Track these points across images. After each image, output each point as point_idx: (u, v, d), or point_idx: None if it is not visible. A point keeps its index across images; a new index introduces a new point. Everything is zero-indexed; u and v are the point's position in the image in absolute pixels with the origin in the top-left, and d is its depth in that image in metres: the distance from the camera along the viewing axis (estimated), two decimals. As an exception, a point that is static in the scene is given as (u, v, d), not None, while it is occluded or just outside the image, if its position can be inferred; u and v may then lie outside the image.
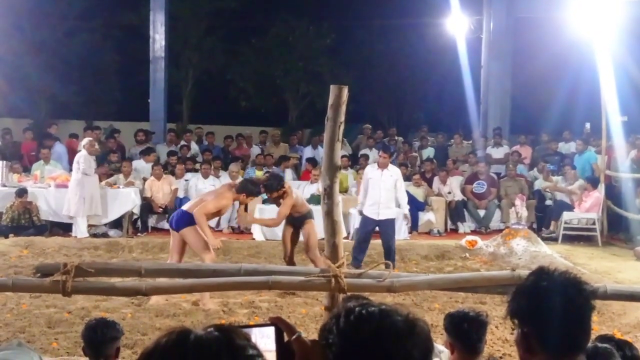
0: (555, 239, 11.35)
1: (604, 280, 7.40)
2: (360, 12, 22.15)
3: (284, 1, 21.84)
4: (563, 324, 1.76)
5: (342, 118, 3.14)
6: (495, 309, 6.72)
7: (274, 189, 7.51)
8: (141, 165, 12.40)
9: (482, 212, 12.35)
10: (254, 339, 1.23)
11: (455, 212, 12.28)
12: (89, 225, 10.85)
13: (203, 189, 11.01)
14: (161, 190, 11.64)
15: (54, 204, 11.04)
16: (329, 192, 3.24)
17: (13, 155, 12.84)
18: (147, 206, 11.55)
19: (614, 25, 11.31)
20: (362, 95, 20.34)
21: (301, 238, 7.96)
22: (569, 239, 11.39)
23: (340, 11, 22.36)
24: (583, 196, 11.70)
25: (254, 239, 10.70)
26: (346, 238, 9.83)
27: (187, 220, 6.99)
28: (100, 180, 11.19)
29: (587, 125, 16.01)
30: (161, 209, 11.54)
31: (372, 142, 14.35)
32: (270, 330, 1.47)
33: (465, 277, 3.70)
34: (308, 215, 7.77)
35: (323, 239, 3.60)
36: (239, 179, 11.35)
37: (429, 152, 14.44)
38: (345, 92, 3.08)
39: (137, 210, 11.46)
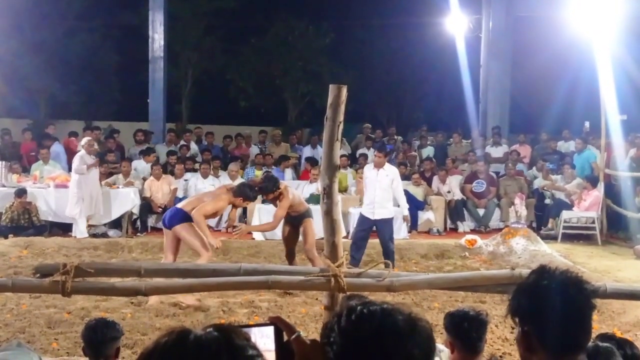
0: (554, 237, 11.36)
1: (603, 279, 7.40)
2: (359, 11, 22.17)
3: (283, 1, 21.85)
4: (563, 323, 1.76)
5: (341, 117, 3.14)
6: (495, 307, 6.73)
7: (269, 191, 7.51)
8: (142, 166, 12.40)
9: (481, 211, 12.36)
10: (253, 339, 1.23)
11: (454, 211, 12.28)
12: (89, 226, 10.85)
13: (202, 188, 11.01)
14: (160, 190, 11.64)
15: (54, 204, 11.04)
16: (328, 192, 3.23)
17: (12, 156, 12.83)
18: (147, 206, 11.55)
19: (613, 24, 11.31)
20: (362, 95, 20.33)
21: (300, 237, 7.96)
22: (569, 238, 11.39)
23: (340, 11, 22.37)
24: (582, 195, 11.70)
25: (253, 238, 10.70)
26: (345, 237, 9.82)
27: (181, 217, 7.00)
28: (100, 181, 11.19)
29: (587, 124, 16.01)
30: (160, 209, 11.52)
31: (370, 142, 14.35)
32: (270, 330, 1.47)
33: (465, 276, 3.70)
34: (306, 214, 7.76)
35: (322, 238, 3.60)
36: (239, 179, 11.38)
37: (428, 151, 14.45)
38: (345, 91, 3.08)
39: (136, 210, 11.47)
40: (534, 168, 13.34)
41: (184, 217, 7.00)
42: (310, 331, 6.02)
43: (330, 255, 3.27)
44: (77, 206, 10.57)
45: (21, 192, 10.59)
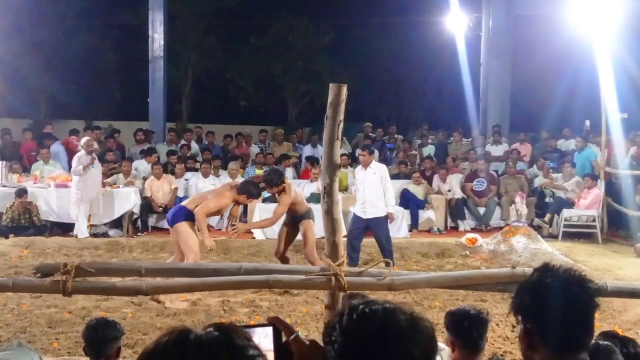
0: (555, 236, 11.37)
1: (604, 277, 7.40)
2: (359, 10, 22.15)
3: (283, 0, 21.84)
4: (566, 321, 1.75)
5: (342, 117, 3.13)
6: (495, 306, 6.73)
7: (274, 184, 7.44)
8: (143, 166, 12.41)
9: (482, 210, 12.36)
10: (256, 339, 1.23)
11: (455, 209, 12.28)
12: (90, 225, 10.85)
13: (203, 188, 11.02)
14: (161, 189, 11.64)
15: (54, 204, 11.04)
16: (328, 191, 3.23)
17: (12, 156, 12.84)
18: (147, 206, 11.55)
19: (613, 23, 11.30)
20: (362, 94, 20.33)
21: (299, 237, 7.94)
22: (569, 236, 11.40)
23: (340, 10, 22.36)
24: (582, 193, 11.71)
25: (254, 237, 10.71)
26: (346, 237, 9.82)
27: (184, 215, 7.03)
28: (102, 182, 11.18)
29: (587, 122, 16.01)
30: (161, 209, 11.54)
31: (368, 141, 14.35)
32: (269, 330, 1.47)
33: (466, 274, 3.69)
34: (307, 215, 7.71)
35: (323, 237, 3.60)
36: (239, 178, 11.38)
37: (428, 150, 14.45)
38: (345, 90, 3.08)
39: (137, 210, 11.47)
40: (535, 166, 13.34)
41: (186, 215, 7.02)
42: (311, 330, 6.02)
43: (331, 254, 3.27)
44: (76, 207, 10.57)
45: (22, 192, 10.59)
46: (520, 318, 1.84)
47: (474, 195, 12.49)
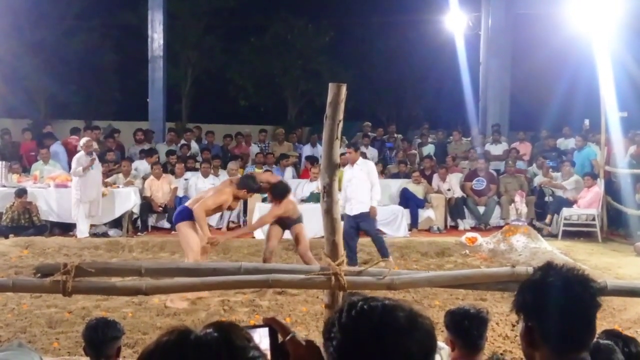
0: (554, 235, 11.37)
1: (604, 276, 7.39)
2: (358, 10, 22.15)
3: (283, 0, 21.83)
4: (567, 320, 1.75)
5: (341, 116, 3.14)
6: (495, 305, 6.73)
7: (276, 197, 7.58)
8: (143, 166, 12.41)
9: (481, 209, 12.36)
10: (257, 339, 1.24)
11: (455, 209, 12.29)
12: (91, 225, 10.85)
13: (203, 187, 11.01)
14: (161, 189, 11.64)
15: (54, 204, 11.05)
16: (328, 190, 3.24)
17: (12, 156, 12.84)
18: (147, 205, 11.55)
19: (612, 21, 11.31)
20: (361, 93, 20.33)
21: (287, 235, 7.97)
22: (569, 235, 11.40)
23: (339, 9, 22.35)
24: (582, 192, 11.72)
25: (254, 237, 10.71)
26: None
27: (185, 215, 7.04)
28: (102, 182, 11.18)
29: (586, 121, 16.01)
30: (161, 208, 11.55)
31: (367, 140, 14.36)
32: (265, 331, 1.47)
33: (466, 274, 3.70)
34: (298, 220, 7.77)
35: (323, 237, 3.60)
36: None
37: (428, 149, 14.45)
38: (344, 90, 3.08)
39: (137, 210, 11.47)
40: (534, 165, 13.34)
41: (188, 215, 7.03)
42: (311, 330, 6.02)
43: (331, 254, 3.27)
44: (76, 208, 10.57)
45: (21, 192, 10.59)
46: (522, 316, 1.84)
47: (474, 194, 12.49)
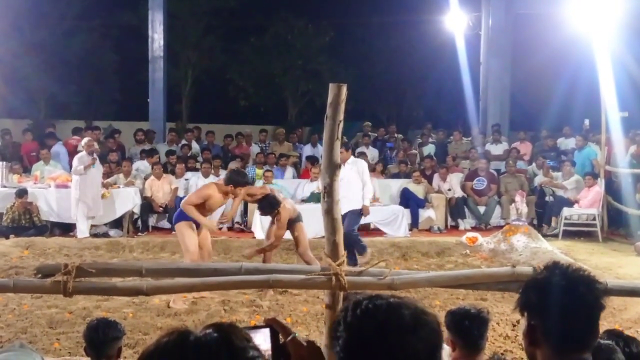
0: (555, 235, 11.38)
1: (604, 275, 7.39)
2: (358, 10, 22.16)
3: (282, 0, 21.84)
4: (570, 320, 1.75)
5: (342, 116, 3.14)
6: (496, 305, 6.74)
7: (269, 211, 7.59)
8: (144, 166, 12.42)
9: (482, 209, 12.37)
10: (259, 340, 1.24)
11: (455, 208, 12.29)
12: (91, 225, 10.86)
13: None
14: (161, 189, 11.65)
15: (55, 205, 11.05)
16: (328, 190, 3.24)
17: (13, 156, 12.84)
18: (148, 206, 11.56)
19: (612, 21, 11.30)
20: (361, 93, 20.33)
21: (288, 235, 7.96)
22: (570, 235, 11.41)
23: (339, 9, 22.36)
24: (583, 192, 11.72)
25: (254, 237, 10.71)
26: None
27: (180, 215, 7.05)
28: (102, 182, 11.20)
29: (586, 121, 16.00)
30: (161, 209, 11.55)
31: (367, 139, 14.37)
32: (266, 332, 1.47)
33: (466, 274, 3.69)
34: (297, 219, 7.78)
35: (323, 237, 3.60)
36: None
37: (429, 149, 14.45)
38: (344, 90, 3.08)
39: (137, 210, 11.48)
40: (534, 165, 13.33)
41: (183, 216, 7.03)
42: (312, 330, 6.03)
43: (331, 254, 3.27)
44: (75, 207, 10.58)
45: (22, 193, 10.60)
46: (525, 314, 1.84)
47: (474, 194, 12.49)
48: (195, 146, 13.99)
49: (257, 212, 10.74)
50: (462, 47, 16.26)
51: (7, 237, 10.20)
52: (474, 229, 11.80)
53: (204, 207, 7.08)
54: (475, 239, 10.43)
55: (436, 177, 12.58)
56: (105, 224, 11.16)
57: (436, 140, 15.03)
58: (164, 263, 7.09)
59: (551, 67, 16.82)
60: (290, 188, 12.09)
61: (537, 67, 16.95)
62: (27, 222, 10.62)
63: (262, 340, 1.43)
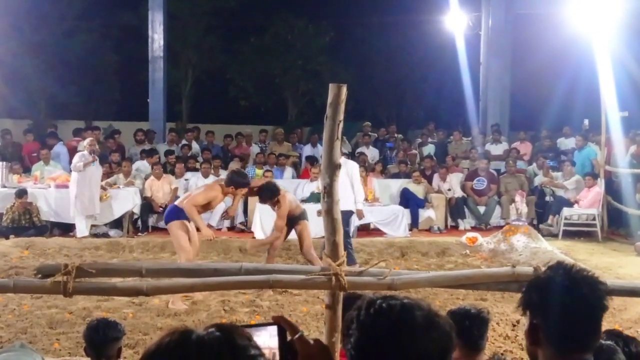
0: (554, 235, 11.37)
1: (604, 275, 7.39)
2: (358, 10, 22.17)
3: (282, 0, 21.85)
4: (572, 320, 1.75)
5: (342, 116, 3.13)
6: (496, 305, 6.74)
7: (269, 199, 7.56)
8: (144, 166, 12.42)
9: (482, 209, 12.37)
10: (264, 339, 1.24)
11: (455, 208, 12.29)
12: (91, 225, 10.86)
13: (202, 188, 11.01)
14: (161, 189, 11.65)
15: (54, 205, 11.05)
16: (328, 191, 3.23)
17: (13, 156, 12.84)
18: (148, 206, 11.56)
19: (612, 21, 11.30)
20: (362, 93, 20.34)
21: (293, 235, 7.95)
22: (570, 235, 11.41)
23: (339, 9, 22.37)
24: (583, 192, 11.72)
25: (254, 238, 10.71)
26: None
27: (176, 213, 7.02)
28: (102, 181, 11.20)
29: (586, 121, 16.01)
30: (161, 209, 11.53)
31: (367, 139, 14.38)
32: (273, 329, 1.48)
33: (466, 274, 3.69)
34: (301, 217, 7.75)
35: (322, 237, 3.60)
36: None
37: (428, 149, 14.46)
38: (344, 90, 3.08)
39: (137, 210, 11.48)
40: (534, 165, 13.33)
41: (178, 214, 7.01)
42: (312, 330, 6.03)
43: (331, 254, 3.26)
44: (73, 205, 10.58)
45: (22, 193, 10.60)
46: (527, 313, 1.84)
47: (474, 194, 12.49)
48: (195, 146, 13.99)
49: (257, 213, 10.80)
50: (462, 47, 16.27)
51: (7, 238, 10.21)
52: (473, 229, 11.81)
53: (205, 205, 7.14)
54: (475, 239, 10.43)
55: (436, 177, 12.58)
56: (105, 224, 11.16)
57: (436, 140, 15.04)
58: (164, 263, 7.08)
59: (551, 67, 16.82)
60: (289, 188, 12.05)
61: (537, 67, 16.96)
62: (27, 223, 10.62)
63: (267, 337, 1.44)
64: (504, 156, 13.68)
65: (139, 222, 11.59)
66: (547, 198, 12.34)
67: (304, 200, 11.31)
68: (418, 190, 12.10)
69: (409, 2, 19.96)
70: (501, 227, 11.23)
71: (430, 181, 12.50)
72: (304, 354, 1.49)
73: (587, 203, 11.56)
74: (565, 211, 11.53)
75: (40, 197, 11.01)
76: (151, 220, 11.71)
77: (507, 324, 6.19)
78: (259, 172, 12.33)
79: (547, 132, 14.54)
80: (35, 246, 9.76)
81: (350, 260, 8.60)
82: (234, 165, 12.31)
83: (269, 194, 7.55)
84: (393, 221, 11.33)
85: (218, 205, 7.89)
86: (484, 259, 9.73)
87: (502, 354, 5.21)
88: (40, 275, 3.25)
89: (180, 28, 19.98)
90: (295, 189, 12.12)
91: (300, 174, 13.18)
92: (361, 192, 9.02)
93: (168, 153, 13.06)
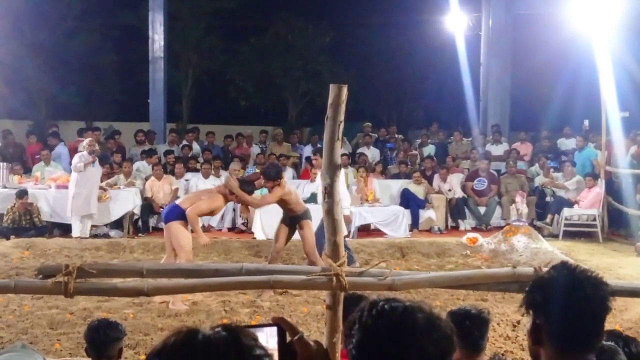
0: (555, 235, 11.37)
1: (604, 276, 7.39)
2: (359, 10, 22.15)
3: (282, 0, 21.85)
4: (575, 320, 1.75)
5: (342, 117, 3.13)
6: (496, 306, 6.74)
7: (270, 178, 7.39)
8: (144, 166, 12.42)
9: (482, 209, 12.37)
10: (263, 340, 1.24)
11: (455, 209, 12.29)
12: (91, 226, 10.86)
13: (203, 188, 11.00)
14: (162, 190, 11.65)
15: (55, 205, 11.05)
16: (329, 191, 3.24)
17: (14, 157, 12.84)
18: (148, 206, 11.56)
19: (612, 21, 11.31)
20: (362, 94, 20.33)
21: (297, 236, 7.92)
22: (570, 235, 11.41)
23: (339, 10, 22.36)
24: (583, 192, 11.72)
25: (254, 238, 10.71)
26: (347, 236, 9.82)
27: (177, 214, 7.03)
28: (101, 181, 11.20)
29: (586, 122, 16.02)
30: (162, 209, 11.52)
31: (368, 139, 14.38)
32: (273, 330, 1.48)
33: (467, 274, 3.69)
34: (304, 216, 7.63)
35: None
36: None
37: (429, 149, 14.46)
38: (345, 91, 3.08)
39: (137, 211, 11.48)
40: (537, 165, 13.32)
41: (179, 215, 7.02)
42: (312, 330, 6.03)
43: (332, 255, 3.27)
44: (71, 205, 10.59)
45: (22, 194, 10.60)
46: (530, 313, 1.85)
47: (475, 195, 12.49)
48: (196, 147, 13.99)
49: (257, 213, 10.79)
50: (462, 47, 16.27)
51: (8, 238, 10.21)
52: (474, 229, 11.81)
53: (208, 211, 7.29)
54: (475, 240, 10.43)
55: (436, 177, 12.59)
56: (106, 225, 11.16)
57: (436, 141, 15.04)
58: (165, 264, 7.08)
59: (551, 68, 16.83)
60: (290, 188, 12.08)
61: (537, 68, 16.96)
62: (27, 223, 10.62)
63: (266, 338, 1.44)
64: (504, 157, 13.68)
65: (140, 223, 11.58)
66: (548, 198, 12.33)
67: (304, 201, 11.30)
68: (418, 190, 12.10)
69: (409, 2, 19.98)
70: (501, 227, 11.24)
71: (430, 182, 12.50)
72: (303, 355, 1.49)
73: (588, 203, 11.57)
74: (566, 212, 11.53)
75: (41, 197, 11.02)
76: (152, 221, 11.71)
77: (507, 324, 6.19)
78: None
79: (548, 132, 14.54)
80: (36, 247, 9.77)
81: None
82: (236, 166, 12.32)
83: (274, 171, 7.48)
84: (393, 222, 11.33)
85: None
86: (484, 259, 9.73)
87: (502, 355, 5.21)
88: (41, 276, 3.25)
89: (181, 28, 19.98)
90: (295, 189, 12.11)
91: (300, 174, 13.18)
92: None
93: (167, 153, 13.06)
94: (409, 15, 20.58)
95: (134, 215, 11.46)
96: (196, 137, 14.68)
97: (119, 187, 11.52)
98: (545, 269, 2.05)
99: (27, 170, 12.30)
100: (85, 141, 11.01)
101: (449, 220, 12.33)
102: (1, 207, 10.84)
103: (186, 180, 12.17)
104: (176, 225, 7.01)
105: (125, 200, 11.25)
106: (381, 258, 8.99)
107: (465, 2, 16.59)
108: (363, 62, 22.62)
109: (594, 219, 11.45)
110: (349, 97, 3.13)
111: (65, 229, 11.07)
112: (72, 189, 10.55)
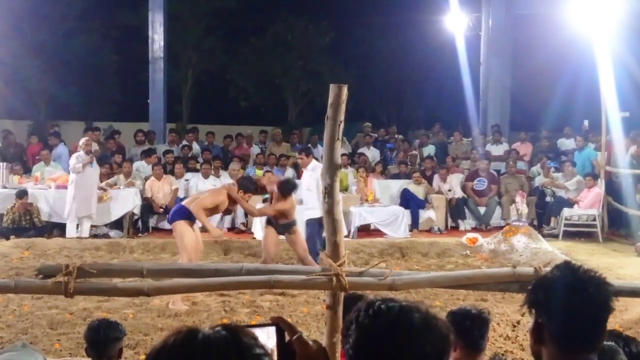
0: (556, 236, 11.38)
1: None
2: (359, 10, 22.17)
3: (282, 0, 21.86)
4: (577, 320, 1.75)
5: (342, 117, 3.13)
6: (496, 306, 6.74)
7: (286, 193, 7.56)
8: (144, 166, 12.42)
9: (482, 210, 12.36)
10: (263, 338, 1.24)
11: (455, 209, 12.29)
12: (91, 226, 10.87)
13: (203, 188, 11.00)
14: (161, 190, 11.64)
15: (55, 205, 11.05)
16: (329, 191, 3.24)
17: (14, 157, 12.84)
18: (148, 206, 11.55)
19: (613, 21, 11.30)
20: (362, 94, 20.34)
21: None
22: (570, 235, 11.41)
23: (339, 10, 22.38)
24: (583, 192, 11.72)
25: (254, 238, 10.71)
26: (347, 236, 9.83)
27: (181, 214, 7.08)
28: (101, 181, 11.20)
29: (586, 122, 16.01)
30: (162, 209, 11.54)
31: (369, 139, 14.38)
32: (272, 330, 1.48)
33: (467, 274, 3.69)
34: (293, 223, 7.74)
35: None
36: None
37: (429, 149, 14.46)
38: (345, 91, 3.08)
39: (137, 211, 11.47)
40: (538, 165, 13.32)
41: (184, 214, 7.06)
42: (312, 330, 6.03)
43: (332, 255, 3.27)
44: (69, 205, 10.59)
45: (22, 194, 10.60)
46: (533, 312, 1.85)
47: (475, 195, 12.49)
48: (196, 147, 13.99)
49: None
50: (462, 47, 16.27)
51: (8, 238, 10.20)
52: (474, 229, 11.81)
53: (212, 209, 7.27)
54: (475, 240, 10.43)
55: (436, 177, 12.58)
56: (106, 225, 11.16)
57: (436, 141, 15.04)
58: (165, 264, 7.09)
59: (551, 67, 16.82)
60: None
61: (537, 68, 16.96)
62: (27, 223, 10.62)
63: (265, 338, 1.44)
64: (504, 157, 13.68)
65: (140, 223, 11.58)
66: (548, 199, 12.33)
67: (304, 201, 11.31)
68: (418, 190, 12.10)
69: (409, 2, 19.99)
70: (501, 227, 11.24)
71: (430, 182, 12.49)
72: (302, 354, 1.49)
73: (588, 203, 11.57)
74: (566, 212, 11.53)
75: (41, 197, 11.02)
76: (151, 221, 11.70)
77: (507, 324, 6.19)
78: (259, 172, 12.33)
79: (548, 132, 14.54)
80: (36, 247, 9.77)
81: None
82: (235, 166, 12.31)
83: (290, 189, 7.57)
84: (393, 222, 11.33)
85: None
86: (484, 259, 9.73)
87: (502, 355, 5.21)
88: (41, 276, 3.25)
89: (181, 29, 19.99)
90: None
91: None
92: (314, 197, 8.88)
93: (167, 153, 13.06)
94: (409, 15, 20.59)
95: (133, 215, 11.46)
96: (196, 137, 14.67)
97: (119, 187, 11.51)
98: (545, 269, 2.04)
99: (27, 171, 12.30)
100: (82, 141, 11.00)
101: (449, 220, 12.32)
102: (1, 207, 10.84)
103: (186, 180, 12.16)
104: (181, 225, 7.04)
105: (125, 201, 11.25)
106: (381, 258, 8.99)
107: (465, 2, 16.59)
108: (363, 62, 22.63)
109: (594, 219, 11.45)
110: (349, 97, 3.13)
111: (65, 229, 11.07)
112: (71, 190, 10.54)
